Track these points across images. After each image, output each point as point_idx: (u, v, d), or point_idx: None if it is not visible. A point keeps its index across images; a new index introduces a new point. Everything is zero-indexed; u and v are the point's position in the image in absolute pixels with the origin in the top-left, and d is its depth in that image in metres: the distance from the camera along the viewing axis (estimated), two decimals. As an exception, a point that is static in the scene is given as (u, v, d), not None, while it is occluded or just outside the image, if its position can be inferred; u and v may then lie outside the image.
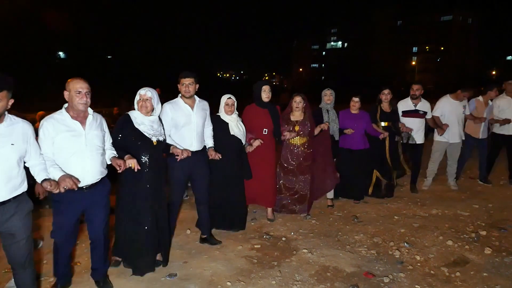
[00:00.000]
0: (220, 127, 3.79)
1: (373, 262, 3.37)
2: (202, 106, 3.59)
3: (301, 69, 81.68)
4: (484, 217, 4.43)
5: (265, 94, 4.08)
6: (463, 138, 5.42)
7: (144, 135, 2.98)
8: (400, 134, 4.99)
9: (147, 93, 3.01)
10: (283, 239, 3.88)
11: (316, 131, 4.38)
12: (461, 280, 3.07)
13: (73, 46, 44.91)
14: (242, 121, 3.99)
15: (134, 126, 2.97)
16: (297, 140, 4.37)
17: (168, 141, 3.32)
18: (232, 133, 3.81)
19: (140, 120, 3.01)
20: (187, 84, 3.41)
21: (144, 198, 3.00)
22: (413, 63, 63.33)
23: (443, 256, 3.49)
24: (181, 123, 3.43)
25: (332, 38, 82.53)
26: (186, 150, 3.28)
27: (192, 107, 3.49)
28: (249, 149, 4.00)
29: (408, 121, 5.06)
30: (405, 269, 3.25)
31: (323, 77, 74.17)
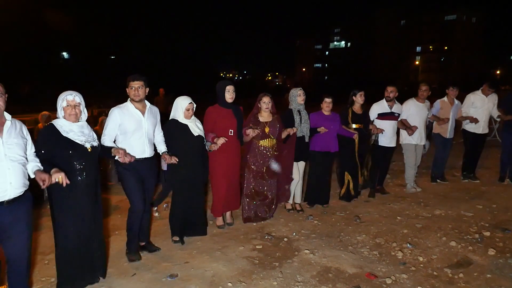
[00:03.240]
0: (180, 130, 3.62)
1: (375, 263, 3.35)
2: (153, 112, 3.44)
3: (304, 69, 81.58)
4: (488, 218, 4.39)
5: (229, 94, 3.92)
6: (424, 143, 5.40)
7: (76, 142, 2.74)
8: (370, 137, 4.93)
9: (75, 98, 2.76)
10: (285, 239, 3.86)
11: (284, 134, 4.20)
12: (465, 282, 3.04)
13: (77, 47, 45.09)
14: (203, 123, 3.86)
15: (61, 135, 2.71)
16: (267, 142, 4.17)
17: (109, 146, 3.15)
18: (195, 134, 3.66)
19: (68, 127, 2.75)
20: (136, 87, 3.22)
21: (82, 207, 2.79)
22: (417, 62, 63.14)
23: (446, 257, 3.46)
24: (131, 130, 3.25)
25: (335, 38, 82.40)
26: (129, 154, 3.07)
27: (143, 113, 3.32)
28: (213, 147, 3.81)
29: (383, 124, 4.99)
30: (407, 270, 3.23)
31: (326, 77, 74.10)
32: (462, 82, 10.16)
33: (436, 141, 5.69)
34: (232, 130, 3.98)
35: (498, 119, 5.72)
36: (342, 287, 2.97)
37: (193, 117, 3.73)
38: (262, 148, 4.18)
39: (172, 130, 3.62)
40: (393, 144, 5.13)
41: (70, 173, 2.64)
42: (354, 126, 4.79)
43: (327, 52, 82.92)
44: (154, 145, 3.52)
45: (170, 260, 3.41)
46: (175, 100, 3.72)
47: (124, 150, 3.06)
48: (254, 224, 4.25)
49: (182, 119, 3.65)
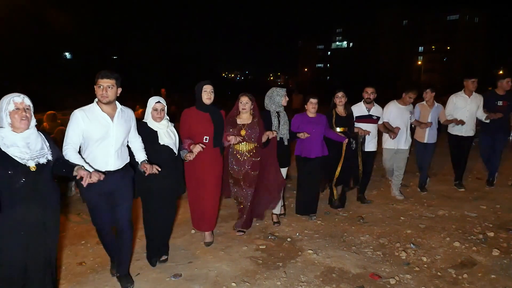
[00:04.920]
0: (147, 136, 3.18)
1: (379, 263, 3.35)
2: (125, 116, 2.92)
3: (306, 69, 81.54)
4: (492, 218, 4.38)
5: (206, 95, 3.53)
6: (408, 147, 5.04)
7: (16, 161, 2.23)
8: (357, 140, 4.61)
9: (24, 100, 2.31)
10: (288, 239, 3.86)
11: (263, 138, 3.83)
12: (469, 282, 3.03)
13: (79, 47, 45.21)
14: (176, 127, 3.44)
15: (0, 150, 2.23)
16: (243, 147, 3.81)
17: (73, 159, 2.61)
18: (161, 142, 3.20)
19: (11, 140, 2.26)
20: (105, 86, 2.71)
21: (21, 236, 2.32)
22: (419, 62, 63.00)
23: (450, 257, 3.45)
24: (96, 137, 2.75)
25: (337, 38, 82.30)
26: (96, 172, 2.51)
27: (112, 117, 2.81)
28: (189, 157, 3.38)
29: (361, 127, 4.68)
30: (411, 270, 3.22)
31: (328, 77, 74.04)
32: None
33: (416, 147, 5.35)
34: (208, 137, 3.54)
35: (487, 121, 5.34)
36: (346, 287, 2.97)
37: (166, 121, 3.28)
38: (236, 152, 3.85)
39: (141, 134, 3.17)
40: (373, 148, 4.85)
41: (11, 199, 2.25)
42: (338, 129, 4.49)
43: (329, 52, 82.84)
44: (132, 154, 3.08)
45: (174, 260, 3.41)
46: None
47: (89, 172, 2.46)
48: (257, 224, 4.25)
49: (151, 123, 3.23)
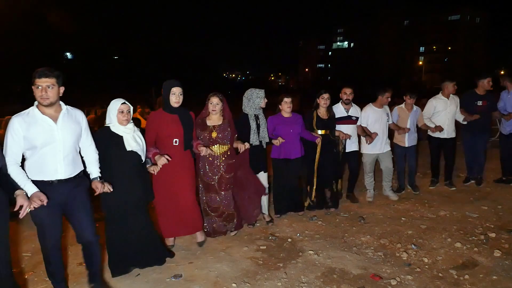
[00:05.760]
0: (111, 142, 2.94)
1: (380, 264, 3.34)
2: (72, 117, 2.65)
3: (307, 69, 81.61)
4: (493, 219, 4.36)
5: (175, 98, 3.33)
6: (387, 149, 4.95)
7: None
8: (339, 143, 4.58)
9: None
10: (289, 240, 3.85)
11: (235, 144, 3.72)
12: (470, 283, 3.02)
13: (80, 47, 45.32)
14: (143, 132, 3.25)
15: None
16: (217, 149, 3.67)
17: (15, 175, 2.40)
18: (129, 148, 2.97)
19: None
20: (44, 87, 2.45)
21: None
22: (420, 63, 62.98)
23: (451, 258, 3.44)
24: (38, 143, 2.49)
25: (338, 38, 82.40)
26: (37, 196, 2.33)
27: (55, 119, 2.54)
28: (153, 170, 3.18)
29: (341, 129, 4.62)
30: (412, 271, 3.21)
31: (329, 77, 74.09)
32: (466, 83, 10.04)
33: (397, 151, 5.21)
34: (177, 140, 3.39)
35: (465, 122, 5.30)
36: (346, 288, 2.96)
37: (133, 126, 3.06)
38: (210, 156, 3.67)
39: (102, 140, 2.91)
40: (355, 148, 4.82)
41: None
42: (319, 132, 4.40)
43: (330, 53, 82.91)
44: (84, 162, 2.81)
45: (174, 260, 3.41)
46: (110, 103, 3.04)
47: (28, 202, 2.28)
48: (258, 224, 4.24)
49: (116, 127, 2.98)
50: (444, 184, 5.56)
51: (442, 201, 5.03)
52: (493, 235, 3.90)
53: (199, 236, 3.74)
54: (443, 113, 5.18)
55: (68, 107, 2.66)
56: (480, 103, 5.26)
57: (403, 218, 4.42)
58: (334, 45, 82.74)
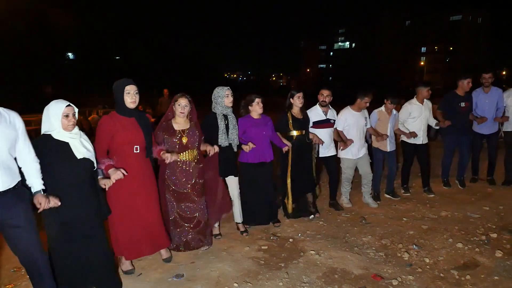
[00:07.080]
0: (56, 151, 2.52)
1: (381, 264, 3.34)
2: (6, 120, 2.28)
3: (308, 70, 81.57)
4: (495, 219, 4.36)
5: (130, 98, 2.95)
6: (364, 153, 4.79)
7: None
8: (314, 147, 4.42)
9: None
10: (290, 240, 3.86)
11: (203, 147, 3.48)
12: (472, 284, 3.02)
13: (82, 47, 45.41)
14: (92, 139, 2.82)
15: None
16: (187, 155, 3.37)
17: None
18: (79, 156, 2.55)
19: None
20: None
21: None
22: (422, 63, 62.86)
23: (452, 258, 3.44)
24: None
25: (339, 38, 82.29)
26: None
27: None
28: (104, 184, 2.75)
29: (320, 133, 4.49)
30: (414, 271, 3.21)
31: (330, 78, 74.05)
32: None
33: (376, 156, 5.05)
34: (138, 147, 3.02)
35: (437, 127, 5.26)
36: (348, 288, 2.97)
37: (77, 129, 2.63)
38: (181, 163, 3.37)
39: (44, 150, 2.49)
40: (333, 153, 4.68)
41: None
42: (295, 133, 4.22)
43: (331, 53, 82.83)
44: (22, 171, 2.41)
45: (176, 260, 3.42)
46: (46, 108, 2.57)
47: None
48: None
49: (60, 134, 2.54)
50: (423, 191, 5.39)
51: (444, 201, 5.03)
52: (494, 235, 3.90)
53: (164, 253, 3.38)
54: (418, 119, 5.11)
55: (2, 108, 2.31)
56: (463, 104, 5.29)
57: (404, 219, 4.42)
58: (336, 46, 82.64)
